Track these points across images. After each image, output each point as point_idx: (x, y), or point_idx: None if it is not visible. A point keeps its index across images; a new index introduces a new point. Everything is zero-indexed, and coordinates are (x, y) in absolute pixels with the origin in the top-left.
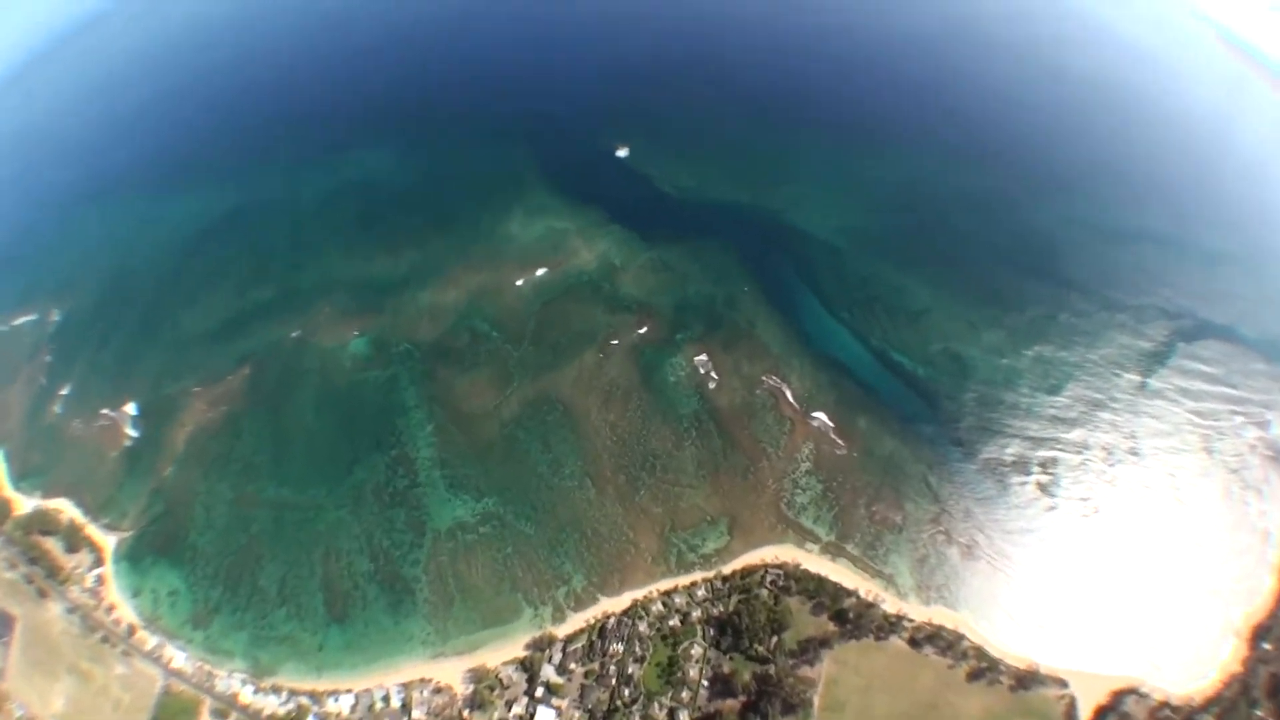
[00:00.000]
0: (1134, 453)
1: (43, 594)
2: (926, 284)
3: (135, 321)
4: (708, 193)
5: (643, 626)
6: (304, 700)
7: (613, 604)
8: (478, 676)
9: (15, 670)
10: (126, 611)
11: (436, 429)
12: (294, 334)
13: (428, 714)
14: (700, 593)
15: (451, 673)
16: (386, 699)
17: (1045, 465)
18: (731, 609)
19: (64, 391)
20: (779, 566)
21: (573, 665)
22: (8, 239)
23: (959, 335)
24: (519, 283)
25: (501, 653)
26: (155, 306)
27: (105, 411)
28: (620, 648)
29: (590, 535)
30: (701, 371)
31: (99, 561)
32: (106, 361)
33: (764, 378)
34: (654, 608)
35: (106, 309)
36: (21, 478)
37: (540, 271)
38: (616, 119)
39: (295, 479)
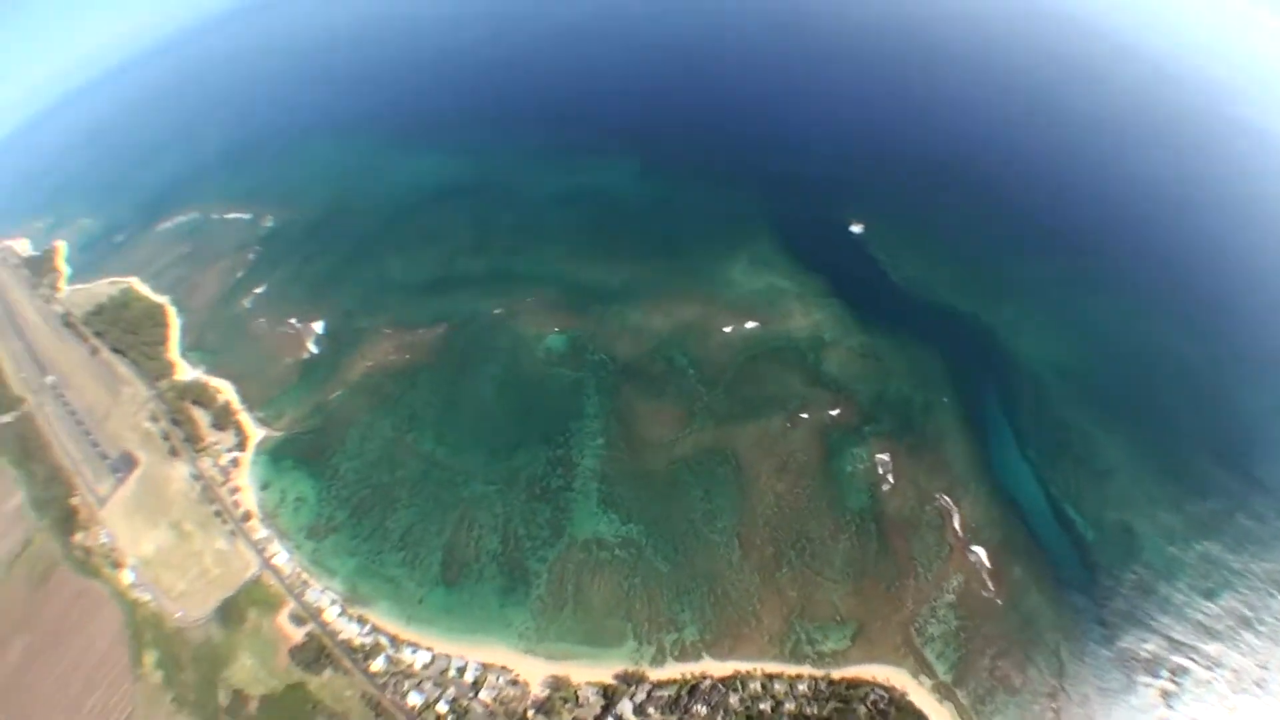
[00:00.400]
0: (1260, 685)
1: (174, 453)
2: (1120, 443)
3: (344, 251)
4: (931, 290)
5: (734, 700)
6: (383, 640)
7: (715, 667)
8: (557, 685)
9: (119, 505)
10: (249, 498)
11: (607, 443)
12: (496, 310)
13: (495, 699)
14: (802, 687)
15: (533, 672)
16: (461, 671)
17: (1175, 673)
18: (825, 715)
19: (258, 290)
20: (886, 689)
21: (652, 710)
22: (244, 145)
23: (1137, 508)
24: (727, 329)
25: (589, 672)
26: (368, 244)
27: (292, 321)
28: (704, 711)
29: (719, 594)
30: (879, 471)
31: (240, 447)
32: (306, 277)
33: (938, 495)
34: (752, 685)
35: (319, 232)
36: (191, 349)
37: (750, 324)
38: (859, 193)
39: (455, 442)
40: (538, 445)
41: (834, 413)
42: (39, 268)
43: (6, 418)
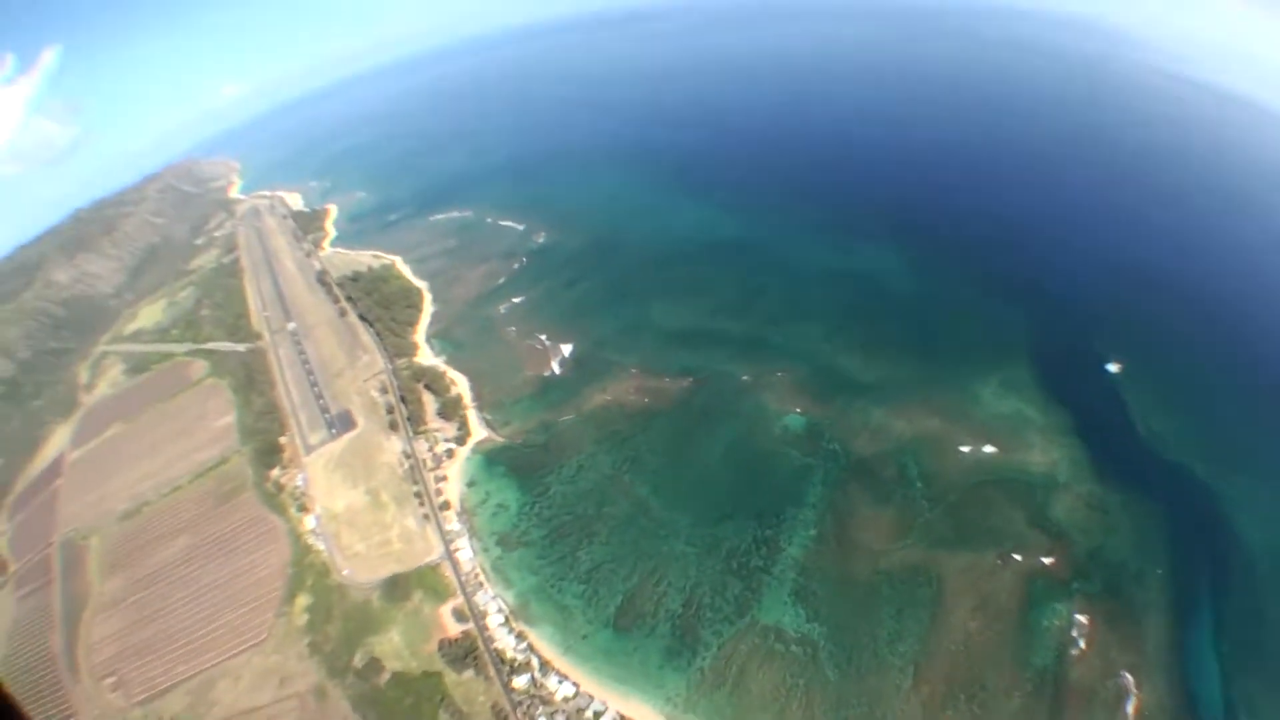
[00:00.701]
0: None
1: (393, 427)
2: None
3: (608, 283)
4: (1174, 445)
5: None
6: (534, 660)
7: None
8: None
9: (323, 457)
10: (452, 490)
11: (818, 537)
12: (744, 377)
13: None
14: None
15: None
16: (598, 716)
17: None
18: None
19: (515, 299)
20: None
21: None
22: (530, 158)
23: None
24: (965, 448)
25: None
26: (633, 281)
27: (542, 338)
28: None
29: (877, 715)
30: (1073, 632)
31: (460, 441)
32: (566, 299)
33: (1122, 672)
34: None
35: (587, 258)
36: (437, 337)
37: (988, 448)
38: (1123, 327)
39: (670, 496)
40: (749, 520)
41: (1047, 560)
42: (307, 224)
43: (240, 347)
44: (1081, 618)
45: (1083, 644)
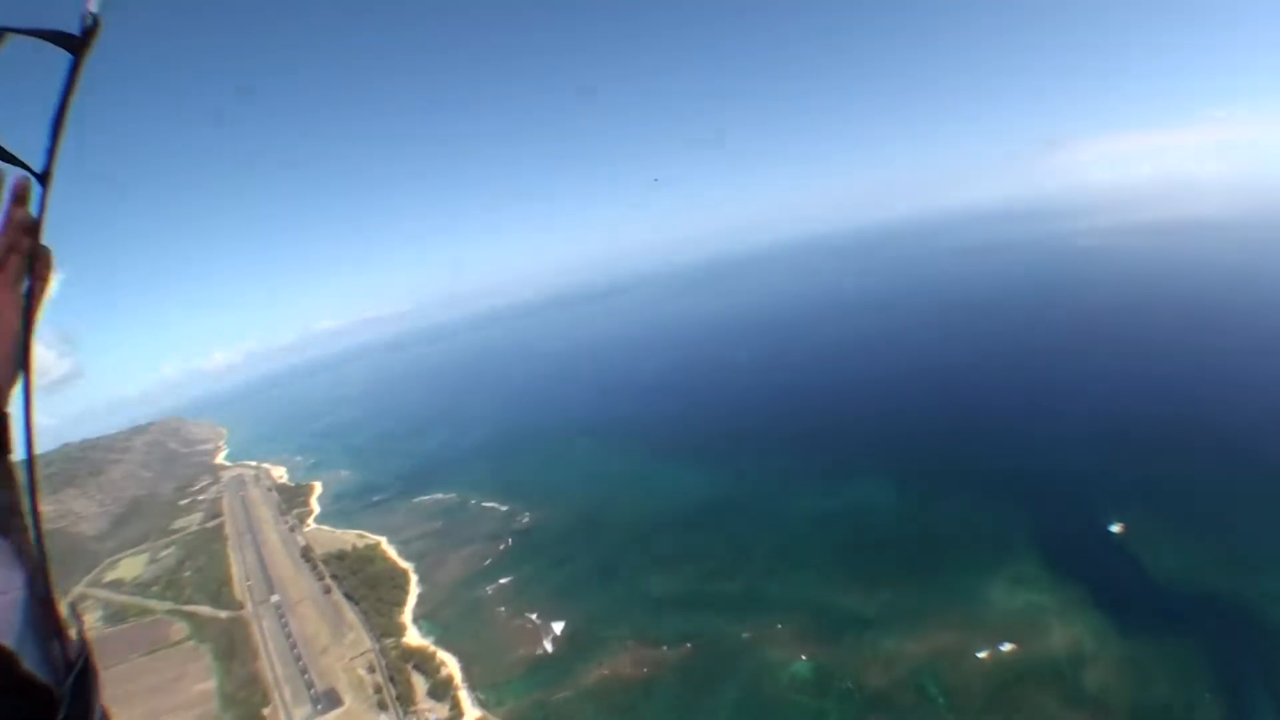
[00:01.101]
0: None
1: (382, 706)
2: None
3: (596, 558)
4: (1193, 578)
5: None
6: None
7: None
8: None
9: None
10: None
11: None
12: (744, 634)
13: None
14: None
15: None
16: None
17: None
18: None
19: (503, 580)
20: None
21: None
22: (511, 438)
23: None
24: (982, 654)
25: None
26: (621, 554)
27: (533, 616)
28: None
29: None
30: None
31: None
32: (554, 577)
33: None
34: None
35: (574, 535)
36: (425, 618)
37: (1006, 646)
38: (1115, 486)
39: None
40: None
41: None
42: (292, 498)
43: (222, 614)
44: None
45: None
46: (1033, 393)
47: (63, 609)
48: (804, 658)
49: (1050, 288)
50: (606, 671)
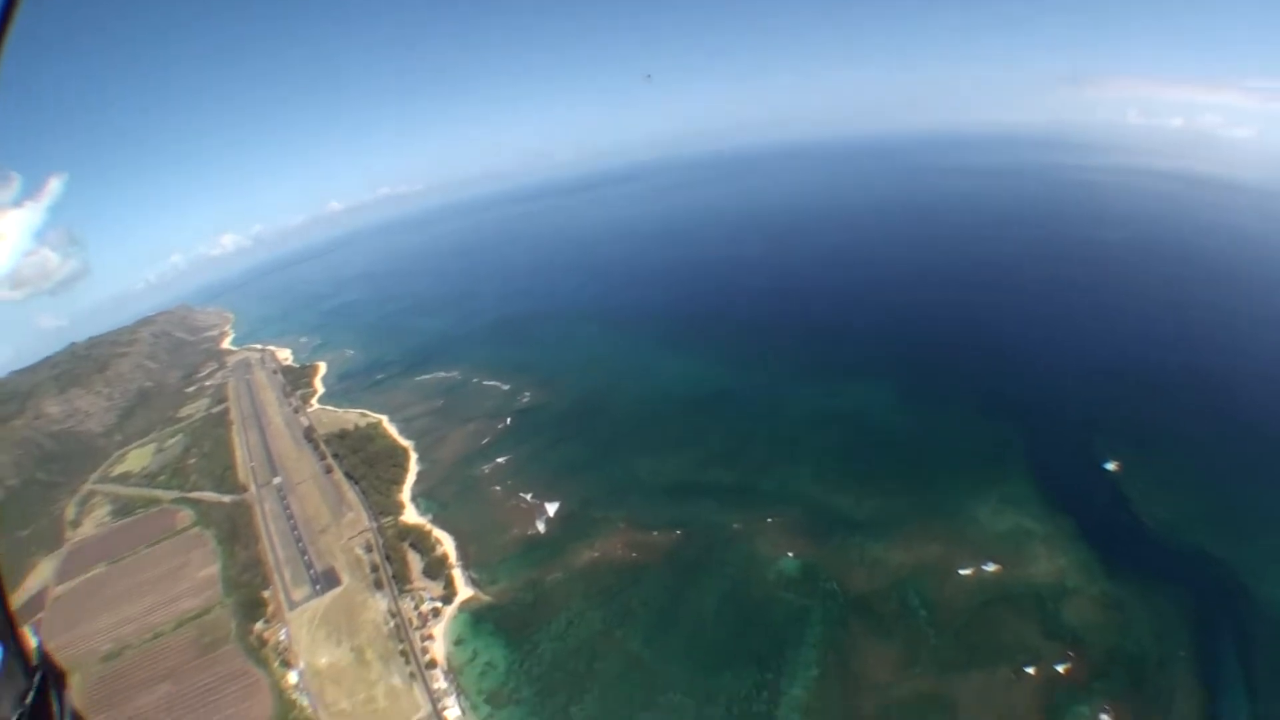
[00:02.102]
0: None
1: (378, 585)
2: None
3: (596, 441)
4: (1182, 530)
5: None
6: None
7: None
8: None
9: (307, 613)
10: (439, 649)
11: (820, 677)
12: (735, 525)
13: None
14: None
15: None
16: None
17: None
18: None
19: (501, 459)
20: None
21: None
22: (516, 319)
23: None
24: (966, 571)
25: None
26: (619, 439)
27: (528, 497)
28: None
29: None
30: None
31: (446, 599)
32: (551, 458)
33: None
34: None
35: (573, 418)
36: (422, 495)
37: (991, 567)
38: (1114, 424)
39: (663, 649)
40: (748, 666)
41: (1063, 667)
42: (296, 379)
43: (226, 499)
44: (1108, 716)
45: None
46: (1039, 320)
47: (24, 629)
48: (791, 555)
49: (1062, 219)
50: (597, 554)
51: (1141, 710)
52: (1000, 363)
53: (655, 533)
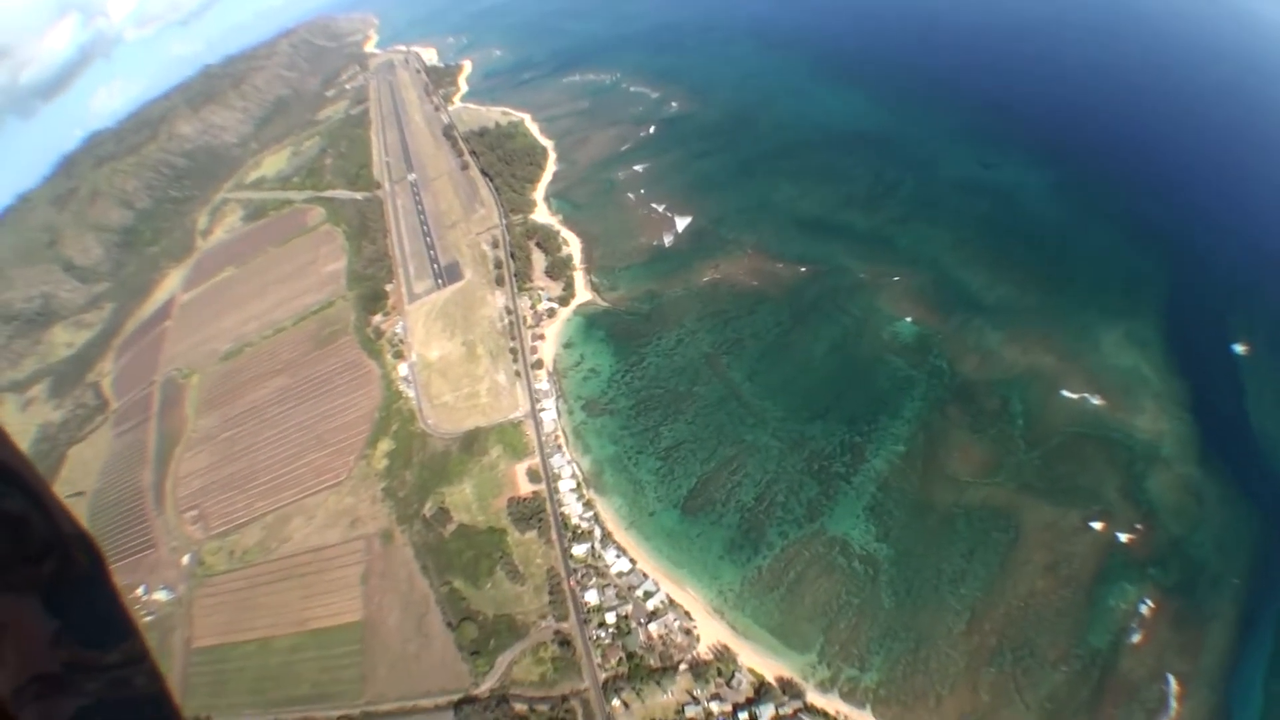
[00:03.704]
0: None
1: (499, 282)
2: None
3: (739, 160)
4: None
5: None
6: (597, 531)
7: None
8: (722, 655)
9: (425, 306)
10: (548, 349)
11: (906, 455)
12: (861, 275)
13: (660, 637)
14: None
15: (710, 631)
16: (648, 596)
17: None
18: None
19: (640, 166)
20: None
21: None
22: (671, 27)
23: None
24: (1071, 395)
25: (757, 660)
26: (763, 161)
27: (660, 208)
28: None
29: (920, 657)
30: (1134, 621)
31: (563, 301)
32: (691, 171)
33: (1170, 677)
34: None
35: (719, 133)
36: (555, 195)
37: (1095, 400)
38: (1260, 309)
39: (764, 385)
40: (839, 423)
41: (1126, 537)
42: (440, 79)
43: (358, 195)
44: (1147, 607)
45: (1140, 635)
46: (1231, 172)
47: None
48: (910, 320)
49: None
50: (720, 275)
51: (1178, 619)
52: (1169, 191)
53: (781, 264)
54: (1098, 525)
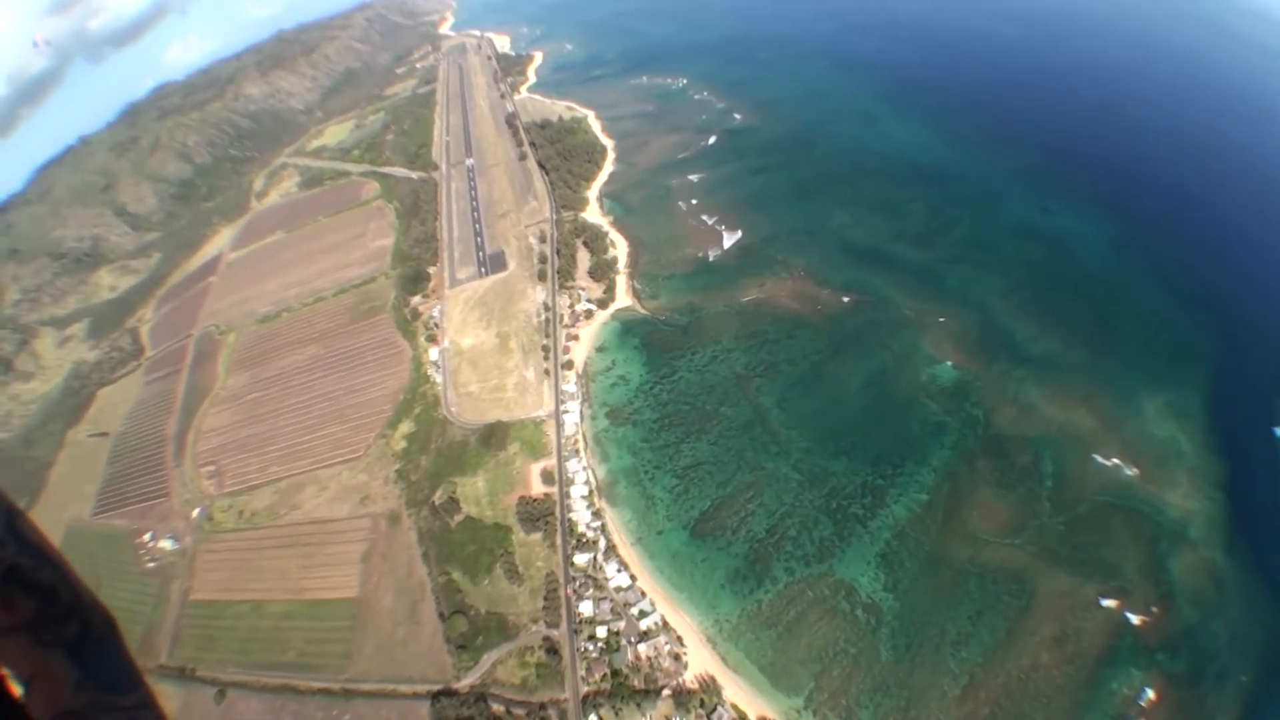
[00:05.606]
0: None
1: (542, 277)
2: None
3: (796, 180)
4: None
5: None
6: (602, 541)
7: None
8: (707, 686)
9: (465, 293)
10: (580, 351)
11: (927, 504)
12: (907, 311)
13: (648, 659)
14: None
15: (699, 659)
16: (642, 615)
17: None
18: None
19: (696, 175)
20: None
21: None
22: (744, 40)
23: None
24: (1103, 460)
25: (742, 696)
26: (821, 184)
27: (711, 220)
28: None
29: (910, 717)
30: (1135, 708)
31: (603, 304)
32: (748, 186)
33: None
34: None
35: (780, 151)
36: (609, 196)
37: (1129, 470)
38: None
39: (793, 413)
40: (863, 463)
41: (1139, 619)
42: (509, 67)
43: (414, 175)
44: (1149, 697)
45: None
46: None
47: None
48: (950, 363)
49: None
50: (764, 295)
51: (1179, 710)
52: (1229, 256)
53: (826, 291)
54: (1112, 603)
